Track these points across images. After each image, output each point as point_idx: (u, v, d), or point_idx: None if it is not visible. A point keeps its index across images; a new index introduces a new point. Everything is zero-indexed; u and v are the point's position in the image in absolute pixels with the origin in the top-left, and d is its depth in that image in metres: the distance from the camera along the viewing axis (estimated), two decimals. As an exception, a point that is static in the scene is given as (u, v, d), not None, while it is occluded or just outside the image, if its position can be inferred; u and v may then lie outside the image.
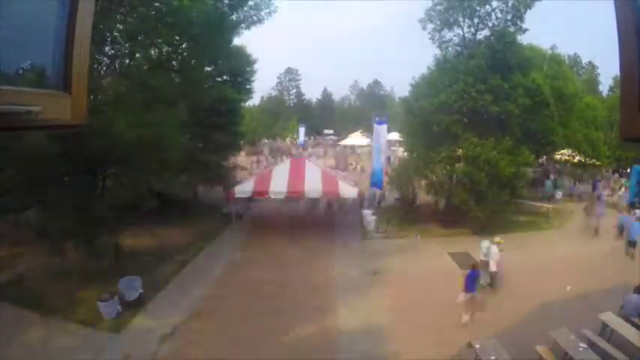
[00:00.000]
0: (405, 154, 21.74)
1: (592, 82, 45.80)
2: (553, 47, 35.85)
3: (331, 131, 61.73)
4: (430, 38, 16.86)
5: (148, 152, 9.56)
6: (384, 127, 18.87)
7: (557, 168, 29.87)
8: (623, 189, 24.41)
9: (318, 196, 15.59)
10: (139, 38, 10.50)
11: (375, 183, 18.96)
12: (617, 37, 0.92)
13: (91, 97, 9.37)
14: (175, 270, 11.62)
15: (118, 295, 9.07)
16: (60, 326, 8.41)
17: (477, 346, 6.79)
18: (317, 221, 16.84)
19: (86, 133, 7.81)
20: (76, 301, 9.20)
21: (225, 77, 19.50)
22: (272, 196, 14.51)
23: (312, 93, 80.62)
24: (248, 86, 21.92)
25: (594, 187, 25.21)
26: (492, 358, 6.48)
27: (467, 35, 16.55)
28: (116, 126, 8.44)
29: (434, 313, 9.05)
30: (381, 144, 18.96)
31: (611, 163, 31.53)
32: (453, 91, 14.93)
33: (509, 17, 15.65)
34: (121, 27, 10.37)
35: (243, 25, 12.62)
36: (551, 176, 26.57)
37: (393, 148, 34.19)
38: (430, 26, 16.61)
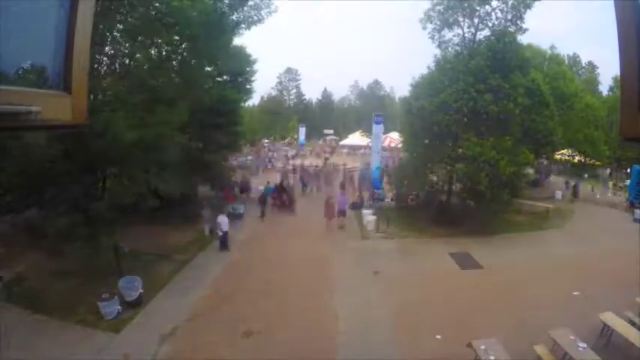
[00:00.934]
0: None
1: (592, 82, 45.76)
2: (553, 47, 35.95)
3: (331, 131, 61.71)
4: (430, 38, 16.92)
5: (148, 152, 9.55)
6: (381, 126, 18.96)
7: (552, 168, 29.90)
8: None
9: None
10: (139, 38, 10.49)
11: (374, 182, 19.06)
12: (617, 37, 0.92)
13: (91, 97, 9.37)
14: (175, 270, 11.63)
15: (118, 295, 9.07)
16: (60, 326, 8.41)
17: (477, 346, 6.79)
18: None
19: (86, 133, 7.82)
20: (75, 301, 9.19)
21: (225, 77, 19.48)
22: None
23: (312, 93, 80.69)
24: (248, 86, 21.92)
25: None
26: (492, 358, 6.48)
27: (467, 35, 16.57)
28: (116, 126, 8.44)
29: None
30: (379, 144, 19.07)
31: (611, 163, 31.55)
32: (453, 91, 14.94)
33: (509, 17, 15.66)
34: (121, 27, 10.36)
35: (243, 25, 12.56)
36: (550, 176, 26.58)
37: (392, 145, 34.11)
38: (430, 26, 16.66)
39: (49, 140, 8.15)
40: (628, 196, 21.74)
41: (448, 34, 16.80)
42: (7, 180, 9.06)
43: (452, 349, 7.52)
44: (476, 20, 16.12)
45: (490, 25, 16.03)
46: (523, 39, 16.62)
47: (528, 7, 15.42)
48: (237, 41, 16.65)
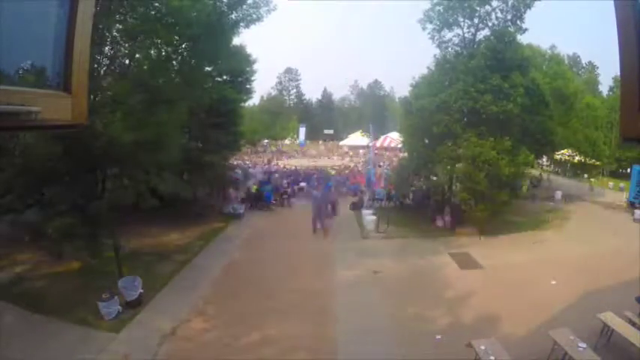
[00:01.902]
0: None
1: (592, 82, 45.68)
2: (553, 47, 35.93)
3: (331, 131, 61.67)
4: (430, 38, 16.92)
5: (147, 152, 9.54)
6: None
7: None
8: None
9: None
10: (139, 38, 10.48)
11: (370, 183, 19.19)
12: (617, 37, 0.92)
13: (91, 97, 9.36)
14: (175, 270, 11.63)
15: (118, 295, 9.07)
16: (60, 326, 8.39)
17: (477, 346, 6.79)
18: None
19: (86, 133, 7.81)
20: (75, 301, 9.19)
21: (225, 77, 19.43)
22: None
23: (312, 93, 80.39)
24: (248, 86, 21.92)
25: None
26: (492, 358, 6.48)
27: (467, 35, 16.57)
28: (116, 126, 8.43)
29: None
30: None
31: (611, 163, 31.52)
32: (453, 91, 14.95)
33: (509, 17, 15.68)
34: (121, 27, 10.35)
35: (242, 24, 12.52)
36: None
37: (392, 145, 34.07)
38: (430, 26, 16.66)
39: (50, 140, 8.14)
40: (628, 196, 21.73)
41: (448, 35, 16.85)
42: (7, 180, 9.04)
43: (452, 349, 7.52)
44: (476, 20, 16.13)
45: (490, 25, 16.06)
46: (523, 39, 16.68)
47: (528, 7, 15.43)
48: (236, 41, 16.64)
